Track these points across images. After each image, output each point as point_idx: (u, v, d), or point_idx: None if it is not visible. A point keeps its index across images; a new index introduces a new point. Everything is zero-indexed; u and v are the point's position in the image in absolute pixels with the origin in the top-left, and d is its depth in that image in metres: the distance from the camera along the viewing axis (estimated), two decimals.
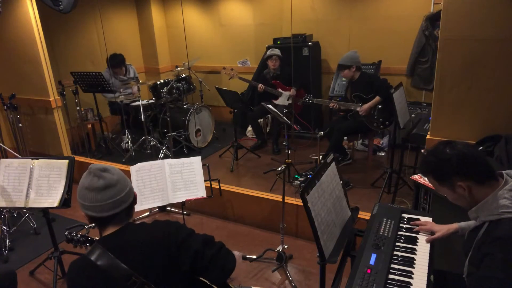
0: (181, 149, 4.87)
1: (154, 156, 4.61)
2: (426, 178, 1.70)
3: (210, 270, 1.41)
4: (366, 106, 3.87)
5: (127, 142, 4.92)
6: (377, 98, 3.83)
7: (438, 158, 1.53)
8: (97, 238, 1.91)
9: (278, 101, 4.74)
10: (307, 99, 4.16)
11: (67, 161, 2.57)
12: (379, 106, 3.87)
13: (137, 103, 4.69)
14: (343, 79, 4.92)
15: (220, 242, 1.50)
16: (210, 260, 1.40)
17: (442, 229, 1.78)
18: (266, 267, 2.89)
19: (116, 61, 5.00)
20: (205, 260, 1.40)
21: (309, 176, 3.84)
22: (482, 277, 1.37)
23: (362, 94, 3.91)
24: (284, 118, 3.49)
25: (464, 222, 1.78)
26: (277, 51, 4.65)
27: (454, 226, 1.78)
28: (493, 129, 2.42)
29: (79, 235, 2.09)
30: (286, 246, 2.93)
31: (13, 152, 3.54)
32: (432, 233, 1.80)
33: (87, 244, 2.09)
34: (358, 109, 3.92)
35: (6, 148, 3.69)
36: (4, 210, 3.32)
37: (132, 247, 1.35)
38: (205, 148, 5.10)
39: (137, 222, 1.46)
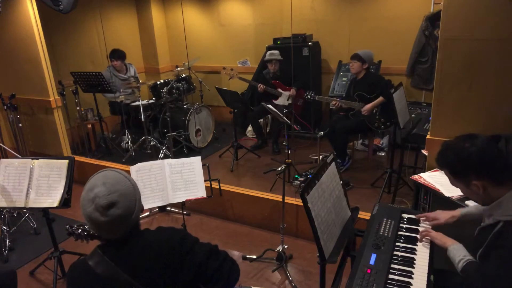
0: (181, 149, 4.87)
1: (154, 156, 4.61)
2: (442, 173, 1.65)
3: (213, 281, 1.38)
4: (368, 105, 3.87)
5: (127, 142, 4.92)
6: (380, 98, 3.82)
7: (457, 154, 1.49)
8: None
9: (278, 101, 4.74)
10: (308, 96, 4.16)
11: (67, 161, 2.57)
12: (381, 107, 3.86)
13: (137, 103, 4.70)
14: (343, 79, 4.92)
15: (224, 252, 1.46)
16: (214, 272, 1.38)
17: (446, 216, 1.78)
18: (266, 267, 2.89)
19: (118, 54, 5.02)
20: (208, 272, 1.37)
21: (309, 176, 3.84)
22: (488, 274, 1.38)
23: (365, 94, 3.91)
24: (284, 118, 3.49)
25: (465, 209, 1.78)
26: (276, 55, 4.64)
27: (457, 213, 1.78)
28: (493, 129, 2.42)
29: (80, 230, 2.08)
30: (286, 246, 2.93)
31: (13, 152, 3.54)
32: (436, 219, 1.82)
33: (89, 239, 2.07)
34: (361, 109, 3.91)
35: (6, 148, 3.69)
36: (4, 210, 3.32)
37: (134, 255, 1.32)
38: (205, 148, 5.10)
39: (141, 229, 1.42)
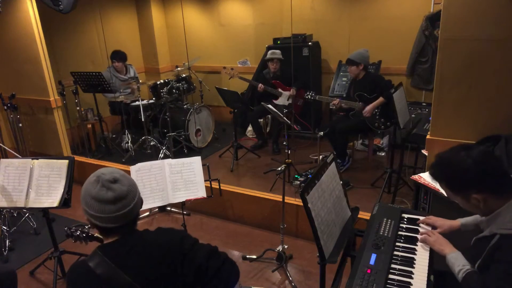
0: (181, 149, 4.87)
1: (154, 156, 4.61)
2: (437, 184, 1.56)
3: (213, 283, 1.38)
4: (369, 107, 3.85)
5: (127, 142, 4.92)
6: (380, 99, 3.80)
7: (455, 168, 1.43)
8: (97, 234, 1.90)
9: (278, 101, 4.75)
10: (309, 96, 4.16)
11: (67, 161, 2.57)
12: (381, 107, 3.86)
13: (137, 103, 4.70)
14: (343, 79, 4.92)
15: (224, 254, 1.46)
16: (214, 273, 1.37)
17: (443, 226, 1.76)
18: (266, 267, 2.89)
19: (119, 55, 5.03)
20: (209, 273, 1.37)
21: (309, 176, 3.84)
22: (489, 286, 1.36)
23: (366, 94, 3.90)
24: (284, 118, 3.49)
25: (464, 219, 1.77)
26: (277, 54, 4.64)
27: (457, 223, 1.76)
28: (493, 129, 2.42)
29: (78, 231, 2.08)
30: (286, 246, 2.92)
31: (13, 152, 3.54)
32: (434, 228, 1.80)
33: (88, 240, 2.07)
34: (361, 109, 3.91)
35: (6, 148, 3.69)
36: (4, 210, 3.32)
37: (134, 256, 1.33)
38: (205, 148, 5.10)
39: (141, 230, 1.42)
